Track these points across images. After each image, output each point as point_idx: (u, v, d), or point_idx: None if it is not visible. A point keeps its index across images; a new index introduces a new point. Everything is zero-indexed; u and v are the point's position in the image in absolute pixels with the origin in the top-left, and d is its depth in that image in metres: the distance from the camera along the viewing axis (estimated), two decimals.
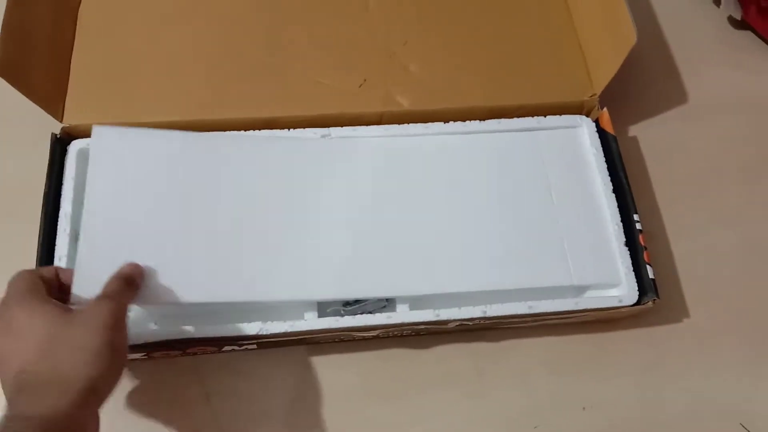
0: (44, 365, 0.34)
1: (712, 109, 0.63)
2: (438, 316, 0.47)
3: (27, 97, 0.48)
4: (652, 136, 0.61)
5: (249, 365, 0.49)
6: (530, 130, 0.54)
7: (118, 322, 0.37)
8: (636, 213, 0.51)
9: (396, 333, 0.49)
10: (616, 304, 0.48)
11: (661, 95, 0.63)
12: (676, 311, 0.54)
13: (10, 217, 0.52)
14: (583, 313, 0.48)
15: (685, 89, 0.64)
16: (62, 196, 0.48)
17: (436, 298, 0.49)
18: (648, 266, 0.49)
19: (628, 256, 0.50)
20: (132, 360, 0.47)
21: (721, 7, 0.64)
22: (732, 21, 0.67)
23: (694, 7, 0.68)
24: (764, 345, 0.53)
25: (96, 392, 0.35)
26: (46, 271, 0.41)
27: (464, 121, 0.54)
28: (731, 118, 0.62)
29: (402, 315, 0.46)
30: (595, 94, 0.55)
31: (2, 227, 0.52)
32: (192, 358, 0.49)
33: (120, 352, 0.37)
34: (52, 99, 0.50)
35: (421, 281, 0.48)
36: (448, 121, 0.54)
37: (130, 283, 0.41)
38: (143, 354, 0.46)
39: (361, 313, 0.47)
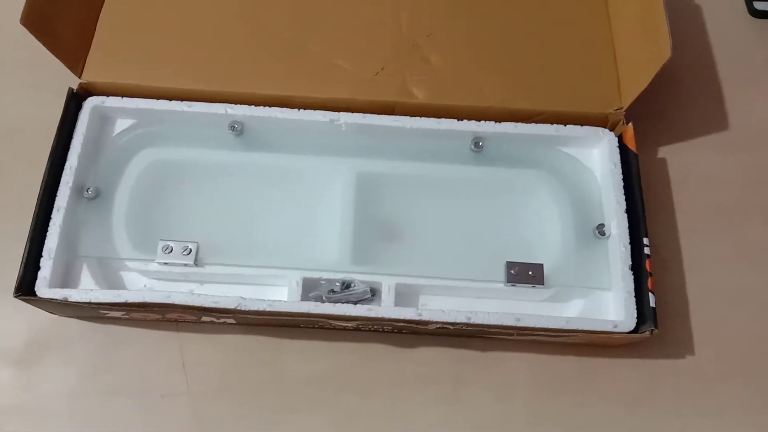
0: None
1: (752, 142, 0.58)
2: (420, 315, 0.45)
3: (48, 49, 0.49)
4: (682, 161, 0.57)
5: (227, 339, 0.49)
6: (547, 139, 0.52)
7: None
8: (646, 237, 0.48)
9: (377, 328, 0.48)
10: (610, 328, 0.46)
11: (701, 119, 0.60)
12: (679, 347, 0.50)
13: (17, 162, 0.53)
14: (573, 334, 0.46)
15: (727, 115, 0.60)
16: (70, 150, 0.49)
17: (426, 293, 0.49)
18: (651, 293, 0.46)
19: (632, 280, 0.47)
20: (112, 318, 0.48)
21: None
22: None
23: (749, 29, 0.64)
24: None
25: None
26: None
27: (479, 120, 0.52)
28: None
29: (383, 310, 0.45)
30: (621, 108, 0.52)
31: (8, 170, 0.54)
32: (174, 324, 0.49)
33: None
34: (73, 54, 0.51)
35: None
36: (462, 119, 0.52)
37: None
38: (123, 312, 0.47)
39: (345, 302, 0.46)
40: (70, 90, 0.51)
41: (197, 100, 0.52)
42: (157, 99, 0.52)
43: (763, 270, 0.53)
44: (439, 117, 0.52)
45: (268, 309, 0.45)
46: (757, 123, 0.59)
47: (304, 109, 0.52)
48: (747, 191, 0.56)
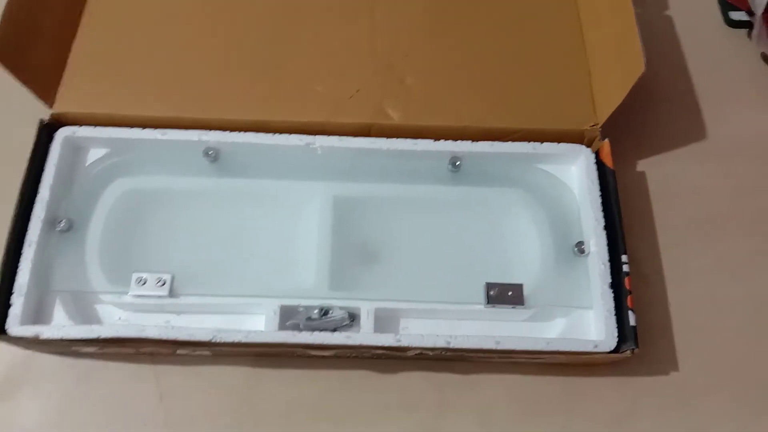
0: None
1: (730, 152, 0.58)
2: (399, 341, 0.45)
3: (19, 80, 0.48)
4: (661, 174, 0.57)
5: (203, 370, 0.48)
6: (524, 157, 0.52)
7: None
8: (625, 254, 0.48)
9: (356, 354, 0.47)
10: (591, 349, 0.45)
11: (679, 131, 0.60)
12: (663, 362, 0.50)
13: None
14: (554, 355, 0.46)
15: (705, 128, 0.60)
16: (42, 182, 0.49)
17: (406, 316, 0.48)
18: (630, 312, 0.46)
19: (611, 298, 0.47)
20: (87, 352, 0.48)
21: (751, 39, 0.60)
22: (765, 57, 0.62)
23: (725, 40, 0.64)
24: (757, 407, 0.49)
25: None
26: None
27: (455, 140, 0.52)
28: (750, 165, 0.58)
29: (361, 337, 0.45)
30: (597, 124, 0.52)
31: None
32: (149, 356, 0.49)
33: None
34: (45, 84, 0.51)
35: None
36: (438, 139, 0.52)
37: None
38: (97, 348, 0.46)
39: (322, 330, 0.46)
40: (41, 121, 0.50)
41: (171, 128, 0.51)
42: (131, 127, 0.51)
43: (745, 282, 0.53)
44: (415, 138, 0.52)
45: (244, 340, 0.44)
46: (735, 133, 0.59)
47: (280, 133, 0.51)
48: (726, 202, 0.56)
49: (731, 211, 0.56)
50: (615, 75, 0.50)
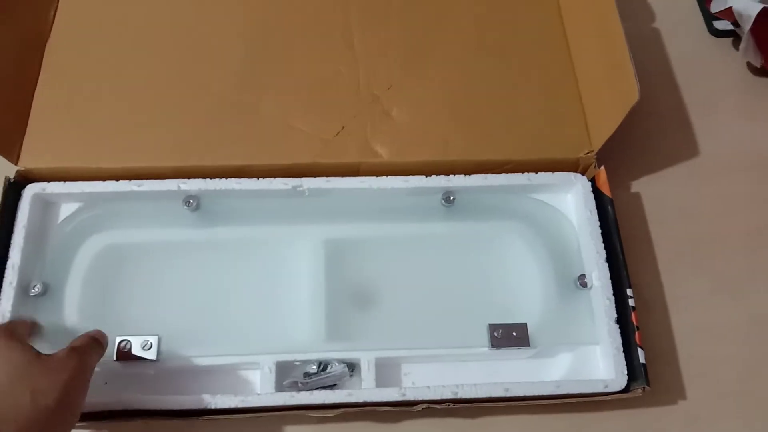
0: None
1: (724, 166, 0.57)
2: (404, 395, 0.43)
3: None
4: (656, 193, 0.56)
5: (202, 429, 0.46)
6: (519, 188, 0.50)
7: (80, 377, 0.37)
8: (630, 288, 0.47)
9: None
10: (601, 389, 0.44)
11: (671, 148, 0.58)
12: (671, 393, 0.49)
13: None
14: (564, 398, 0.44)
15: (696, 142, 0.59)
16: (12, 245, 0.46)
17: (408, 362, 0.46)
18: (639, 349, 0.45)
19: (618, 334, 0.46)
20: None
21: (739, 52, 0.59)
22: (752, 68, 0.62)
23: (711, 49, 0.63)
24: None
25: None
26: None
27: (447, 175, 0.50)
28: (744, 178, 0.57)
29: (364, 393, 0.43)
30: (592, 151, 0.50)
31: None
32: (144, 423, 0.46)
33: (71, 410, 0.36)
34: (8, 141, 0.48)
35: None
36: (430, 175, 0.50)
37: (98, 342, 0.41)
38: (84, 423, 0.43)
39: (321, 387, 0.44)
40: (7, 179, 0.47)
41: (147, 178, 0.48)
42: (103, 180, 0.48)
43: (745, 301, 0.52)
44: (405, 174, 0.49)
45: (240, 405, 0.42)
46: (726, 147, 0.58)
47: (263, 177, 0.49)
48: (722, 220, 0.55)
49: (726, 229, 0.55)
50: (607, 101, 0.49)
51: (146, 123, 0.50)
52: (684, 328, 0.51)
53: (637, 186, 0.56)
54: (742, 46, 0.57)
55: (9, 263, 0.45)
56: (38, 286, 0.45)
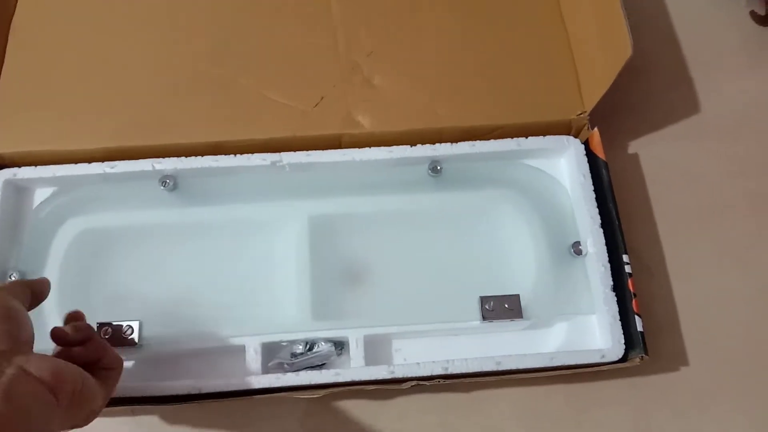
0: None
1: (727, 124, 0.55)
2: (393, 373, 0.42)
3: None
4: (655, 154, 0.54)
5: (188, 415, 0.45)
6: (509, 154, 0.48)
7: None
8: (626, 254, 0.45)
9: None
10: (597, 359, 0.43)
11: (670, 107, 0.56)
12: (673, 360, 0.47)
13: None
14: (560, 370, 0.43)
15: (698, 100, 0.56)
16: None
17: (398, 339, 0.45)
18: (637, 317, 0.43)
19: (615, 302, 0.44)
20: None
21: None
22: (755, 17, 0.58)
23: (710, 5, 0.60)
24: None
25: None
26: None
27: (433, 143, 0.48)
28: (749, 136, 0.54)
29: (351, 372, 0.42)
30: (584, 112, 0.48)
31: None
32: (129, 409, 0.45)
33: None
34: None
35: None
36: (415, 144, 0.48)
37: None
38: None
39: (309, 367, 0.43)
40: None
41: (121, 159, 0.46)
42: (76, 163, 0.46)
43: (748, 267, 0.50)
44: (390, 145, 0.47)
45: (225, 389, 0.41)
46: (730, 104, 0.56)
47: (241, 153, 0.47)
48: (724, 182, 0.53)
49: (729, 191, 0.53)
50: (599, 59, 0.46)
51: (117, 102, 0.48)
52: (687, 296, 0.49)
53: (634, 147, 0.54)
54: None
55: None
56: (15, 274, 0.44)
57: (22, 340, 0.31)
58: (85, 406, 0.31)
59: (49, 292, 0.35)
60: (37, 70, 0.49)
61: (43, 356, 0.31)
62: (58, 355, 0.34)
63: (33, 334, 0.33)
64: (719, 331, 0.48)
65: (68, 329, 0.34)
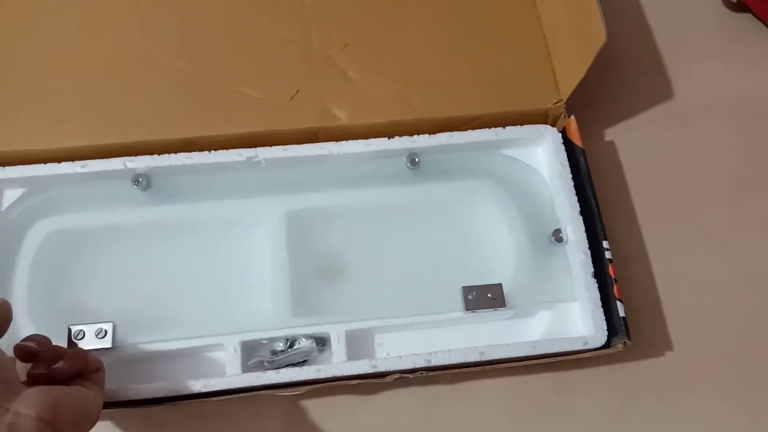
0: None
1: (703, 110, 0.55)
2: (375, 367, 0.41)
3: None
4: (632, 142, 0.54)
5: (163, 418, 0.44)
6: (487, 145, 0.48)
7: None
8: (605, 240, 0.45)
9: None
10: (580, 347, 0.42)
11: (646, 94, 0.56)
12: (656, 346, 0.47)
13: None
14: (543, 358, 0.43)
15: (672, 87, 0.56)
16: None
17: (381, 333, 0.45)
18: (618, 302, 0.43)
19: (596, 289, 0.44)
20: None
21: None
22: (728, 3, 0.59)
23: None
24: (757, 388, 0.46)
25: None
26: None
27: (411, 135, 0.47)
28: (725, 122, 0.55)
29: (333, 368, 0.41)
30: (560, 101, 0.48)
31: None
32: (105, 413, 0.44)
33: None
34: None
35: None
36: (393, 137, 0.47)
37: None
38: None
39: (291, 364, 0.42)
40: None
41: (92, 158, 0.45)
42: (45, 163, 0.45)
43: (728, 252, 0.50)
44: (367, 137, 0.47)
45: (203, 390, 0.40)
46: (705, 91, 0.56)
47: (216, 149, 0.46)
48: (701, 167, 0.53)
49: (705, 177, 0.53)
50: (574, 47, 0.46)
51: (87, 99, 0.47)
52: (668, 281, 0.49)
53: (611, 134, 0.54)
54: None
55: None
56: None
57: (7, 379, 0.30)
58: (87, 424, 0.32)
59: (11, 314, 0.33)
60: (3, 68, 0.47)
61: (37, 391, 0.30)
62: (42, 377, 0.33)
63: (13, 362, 0.32)
64: (701, 315, 0.48)
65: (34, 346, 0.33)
